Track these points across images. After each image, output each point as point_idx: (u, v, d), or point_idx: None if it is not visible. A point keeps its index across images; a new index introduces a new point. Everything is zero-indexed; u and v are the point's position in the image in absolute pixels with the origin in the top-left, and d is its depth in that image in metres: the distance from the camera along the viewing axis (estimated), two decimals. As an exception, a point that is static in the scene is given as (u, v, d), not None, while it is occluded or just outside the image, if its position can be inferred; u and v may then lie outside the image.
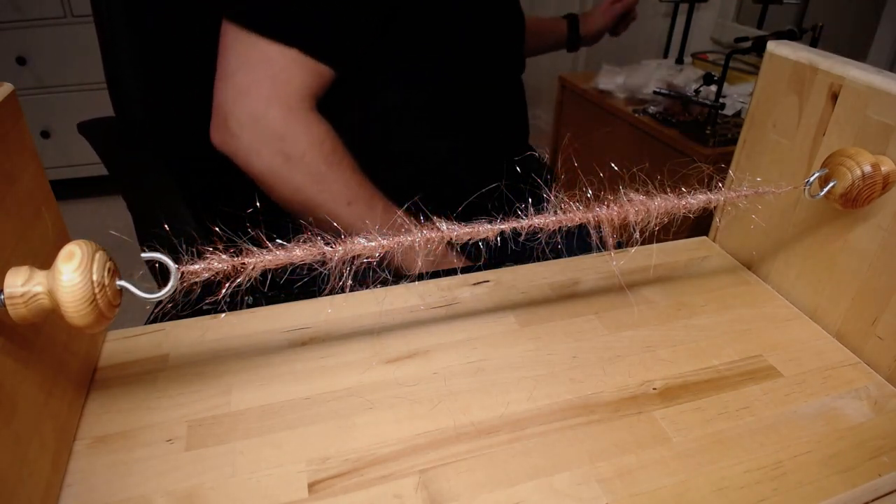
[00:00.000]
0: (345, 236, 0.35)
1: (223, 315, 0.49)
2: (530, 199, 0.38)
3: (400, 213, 0.37)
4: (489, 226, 0.38)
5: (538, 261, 0.58)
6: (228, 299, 0.33)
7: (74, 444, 0.38)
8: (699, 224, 0.55)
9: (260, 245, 0.34)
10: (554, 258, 0.59)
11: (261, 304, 0.52)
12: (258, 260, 0.33)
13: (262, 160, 0.56)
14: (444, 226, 0.37)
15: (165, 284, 0.31)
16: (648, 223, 0.40)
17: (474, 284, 0.55)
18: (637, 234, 0.40)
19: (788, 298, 0.54)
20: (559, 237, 0.39)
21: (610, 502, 0.35)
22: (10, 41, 1.82)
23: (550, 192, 0.39)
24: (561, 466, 0.37)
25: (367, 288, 0.50)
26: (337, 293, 0.43)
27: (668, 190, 0.41)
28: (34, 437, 0.33)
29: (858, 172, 0.41)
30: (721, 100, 1.40)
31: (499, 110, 0.79)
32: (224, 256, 0.32)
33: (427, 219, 0.37)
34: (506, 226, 0.38)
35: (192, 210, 0.77)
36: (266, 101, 0.54)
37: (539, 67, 0.79)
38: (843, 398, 0.43)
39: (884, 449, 0.39)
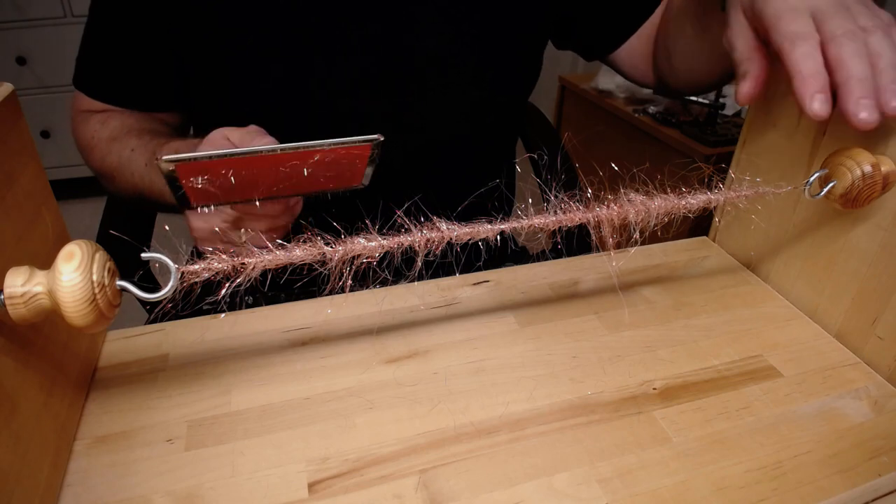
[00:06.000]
0: (344, 236, 0.35)
1: (223, 315, 0.49)
2: (530, 200, 0.38)
3: (399, 213, 0.37)
4: (489, 226, 0.38)
5: (537, 261, 0.58)
6: (228, 299, 0.33)
7: (74, 444, 0.38)
8: (699, 224, 0.55)
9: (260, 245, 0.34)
10: (554, 258, 0.59)
11: (261, 304, 0.52)
12: (258, 260, 0.33)
13: None
14: (444, 226, 0.37)
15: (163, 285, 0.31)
16: (648, 223, 0.40)
17: (474, 284, 0.55)
18: (637, 234, 0.40)
19: (788, 298, 0.54)
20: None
21: (610, 502, 0.35)
22: (10, 41, 1.82)
23: (550, 192, 0.39)
24: (561, 466, 0.37)
25: (367, 288, 0.50)
26: (337, 293, 0.43)
27: (668, 190, 0.41)
28: (34, 437, 0.33)
29: (858, 172, 0.41)
30: (721, 100, 1.40)
31: None
32: (224, 256, 0.32)
33: (427, 219, 0.37)
34: (506, 226, 0.38)
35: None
36: None
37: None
38: (843, 398, 0.43)
39: (884, 449, 0.39)
